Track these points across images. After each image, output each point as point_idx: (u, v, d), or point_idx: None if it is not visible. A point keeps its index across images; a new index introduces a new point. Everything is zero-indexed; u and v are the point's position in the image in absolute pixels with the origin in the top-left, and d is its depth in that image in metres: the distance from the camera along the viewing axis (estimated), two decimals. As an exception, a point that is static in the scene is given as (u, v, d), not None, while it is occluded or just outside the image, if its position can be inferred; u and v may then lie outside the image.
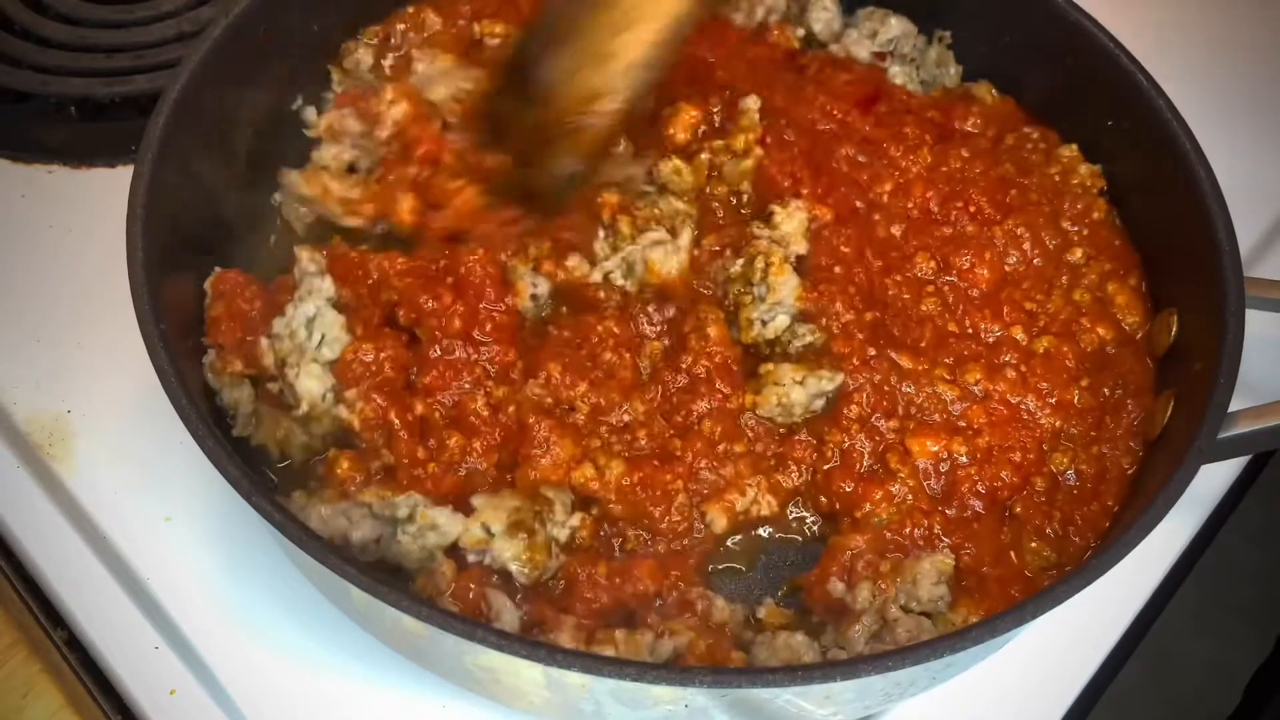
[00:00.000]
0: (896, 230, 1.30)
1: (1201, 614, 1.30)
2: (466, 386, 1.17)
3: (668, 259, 1.26)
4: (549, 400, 1.18)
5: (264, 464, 1.18)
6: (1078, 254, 1.29)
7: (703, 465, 1.17)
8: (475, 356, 1.18)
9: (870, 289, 1.26)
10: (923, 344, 1.23)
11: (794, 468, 1.19)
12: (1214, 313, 1.13)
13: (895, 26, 1.46)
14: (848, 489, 1.17)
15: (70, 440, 1.30)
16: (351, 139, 1.33)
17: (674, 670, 0.93)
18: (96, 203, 1.47)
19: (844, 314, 1.23)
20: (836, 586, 1.11)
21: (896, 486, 1.15)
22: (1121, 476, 1.17)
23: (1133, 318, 1.26)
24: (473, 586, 1.06)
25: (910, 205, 1.31)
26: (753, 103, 1.34)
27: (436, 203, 1.26)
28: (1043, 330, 1.24)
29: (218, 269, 1.21)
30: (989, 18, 1.42)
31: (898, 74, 1.45)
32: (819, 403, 1.21)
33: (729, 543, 1.18)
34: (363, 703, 1.17)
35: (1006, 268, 1.28)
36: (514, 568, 1.08)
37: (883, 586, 1.10)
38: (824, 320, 1.23)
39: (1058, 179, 1.34)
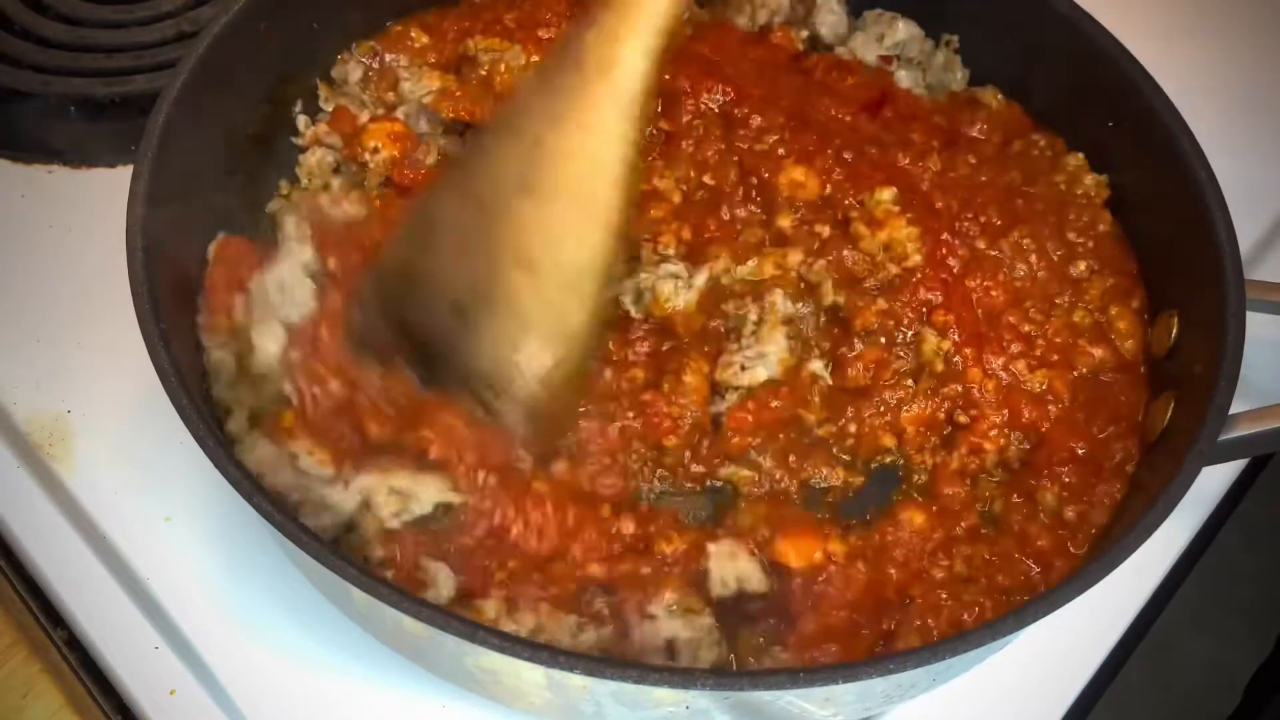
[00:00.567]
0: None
1: (1201, 614, 1.30)
2: None
3: (677, 294, 1.23)
4: None
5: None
6: (1082, 267, 1.28)
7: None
8: None
9: None
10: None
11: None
12: (1214, 314, 1.13)
13: (903, 30, 1.44)
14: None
15: (70, 440, 1.30)
16: (336, 154, 1.35)
17: (676, 672, 0.93)
18: (96, 203, 1.47)
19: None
20: None
21: None
22: (1096, 528, 1.15)
23: (1131, 343, 1.25)
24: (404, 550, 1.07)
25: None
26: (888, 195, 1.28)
27: None
28: (1040, 361, 1.23)
29: (221, 234, 1.23)
30: (994, 21, 1.42)
31: (904, 78, 1.44)
32: None
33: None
34: (363, 703, 1.17)
35: (1015, 284, 1.26)
36: None
37: None
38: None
39: (1063, 187, 1.32)
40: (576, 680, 0.95)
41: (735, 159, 1.32)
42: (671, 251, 1.26)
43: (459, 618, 0.93)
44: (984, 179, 1.32)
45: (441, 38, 1.41)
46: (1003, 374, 1.22)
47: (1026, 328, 1.24)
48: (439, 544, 1.09)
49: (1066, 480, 1.17)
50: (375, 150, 1.31)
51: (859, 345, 1.22)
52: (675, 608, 1.07)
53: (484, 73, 1.36)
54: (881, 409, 1.21)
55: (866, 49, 1.45)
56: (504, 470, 1.13)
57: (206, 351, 1.18)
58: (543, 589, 1.08)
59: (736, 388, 1.21)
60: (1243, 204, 1.20)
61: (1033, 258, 1.27)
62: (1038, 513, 1.17)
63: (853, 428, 1.21)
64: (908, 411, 1.21)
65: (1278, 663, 1.30)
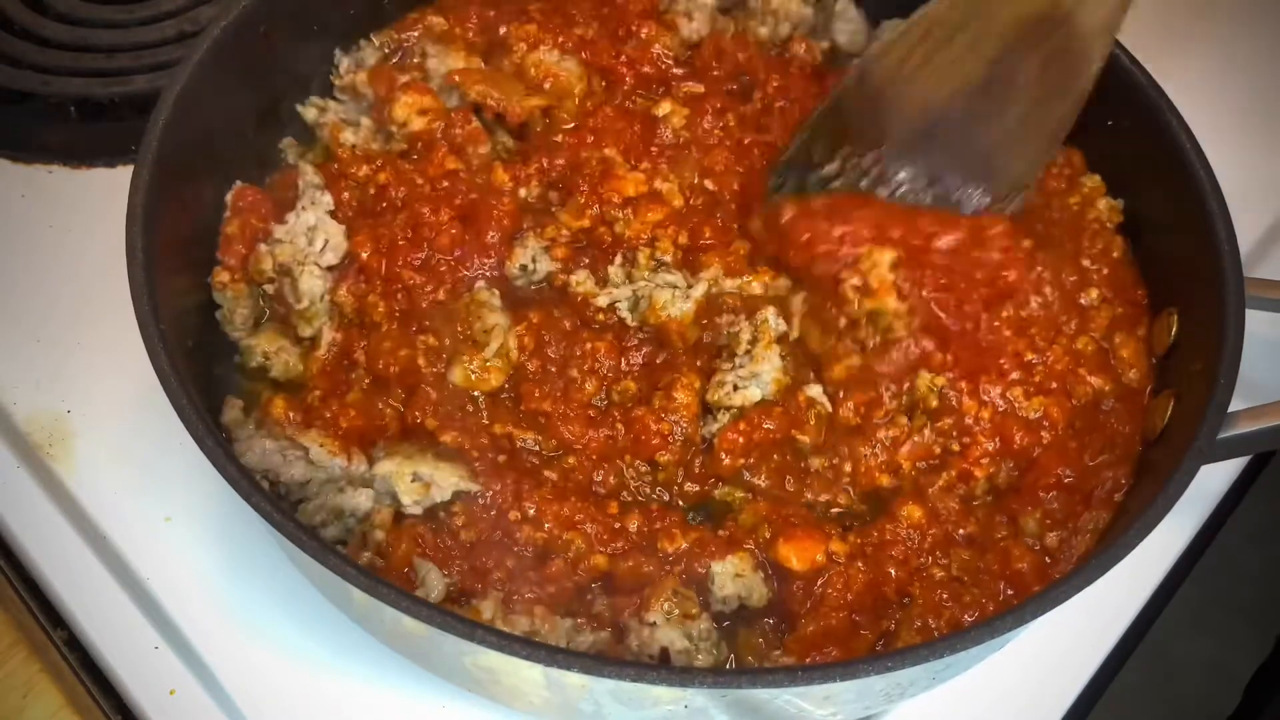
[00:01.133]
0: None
1: (1201, 614, 1.30)
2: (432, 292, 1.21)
3: (674, 303, 1.21)
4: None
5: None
6: (1094, 295, 1.24)
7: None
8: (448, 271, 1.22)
9: None
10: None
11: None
12: (1214, 313, 1.13)
13: (920, 39, 1.43)
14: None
15: (70, 440, 1.30)
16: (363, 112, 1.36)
17: (674, 671, 0.93)
18: (96, 203, 1.47)
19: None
20: None
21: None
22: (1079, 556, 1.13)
23: (1134, 372, 1.22)
24: (403, 545, 1.07)
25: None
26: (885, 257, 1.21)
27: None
28: (1039, 388, 1.19)
29: (239, 183, 1.25)
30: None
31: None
32: None
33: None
34: (363, 703, 1.17)
35: (1023, 316, 1.21)
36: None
37: None
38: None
39: (1076, 209, 1.30)
40: (575, 679, 0.95)
41: (740, 169, 1.31)
42: (669, 259, 1.26)
43: (458, 617, 0.93)
44: None
45: (463, 22, 1.39)
46: (999, 401, 1.18)
47: (1030, 356, 1.20)
48: (443, 538, 1.09)
49: (1049, 507, 1.15)
50: (404, 124, 1.30)
51: (841, 391, 1.19)
52: (673, 614, 1.06)
53: (516, 60, 1.35)
54: (878, 449, 1.17)
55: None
56: (513, 454, 1.15)
57: (221, 307, 1.21)
58: (540, 589, 1.08)
59: (728, 408, 1.18)
60: (1243, 203, 1.20)
61: (1047, 290, 1.23)
62: (1020, 535, 1.14)
63: (848, 466, 1.17)
64: (904, 449, 1.17)
65: (1278, 663, 1.30)
